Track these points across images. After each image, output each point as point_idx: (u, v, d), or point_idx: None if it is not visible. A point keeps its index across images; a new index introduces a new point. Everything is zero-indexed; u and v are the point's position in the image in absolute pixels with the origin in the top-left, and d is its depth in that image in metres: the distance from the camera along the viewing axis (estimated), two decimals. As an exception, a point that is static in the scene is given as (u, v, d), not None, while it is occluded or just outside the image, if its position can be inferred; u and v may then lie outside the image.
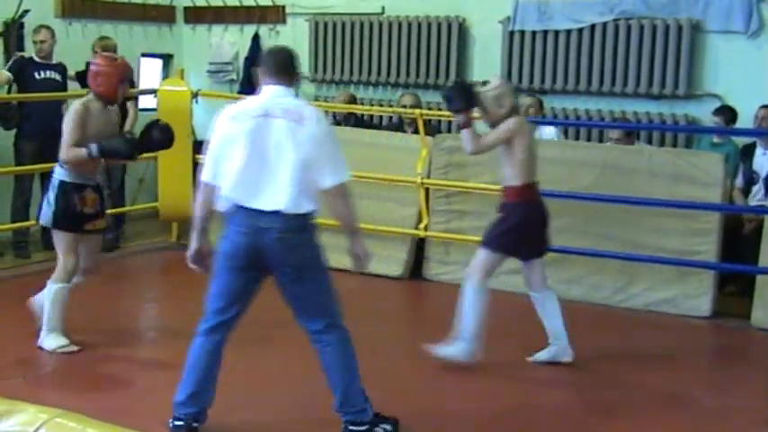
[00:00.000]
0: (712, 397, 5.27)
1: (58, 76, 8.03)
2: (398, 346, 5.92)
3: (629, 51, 8.15)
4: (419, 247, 7.52)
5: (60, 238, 5.44)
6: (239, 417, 4.54)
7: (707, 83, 8.01)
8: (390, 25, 9.16)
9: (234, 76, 10.00)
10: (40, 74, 7.90)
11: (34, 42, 7.99)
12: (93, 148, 5.31)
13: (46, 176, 7.97)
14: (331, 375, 4.23)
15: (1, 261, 7.73)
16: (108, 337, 5.80)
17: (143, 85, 9.43)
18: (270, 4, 9.77)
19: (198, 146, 7.05)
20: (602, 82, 8.29)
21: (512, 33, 8.59)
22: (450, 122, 8.66)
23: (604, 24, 8.23)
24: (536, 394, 5.15)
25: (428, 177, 7.35)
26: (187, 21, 10.24)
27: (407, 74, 9.10)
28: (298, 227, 4.07)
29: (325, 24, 9.47)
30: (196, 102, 8.34)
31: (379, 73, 9.22)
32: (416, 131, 7.61)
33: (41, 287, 5.55)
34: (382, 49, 9.21)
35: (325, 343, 4.20)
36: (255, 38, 9.73)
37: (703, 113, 7.95)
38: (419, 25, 9.03)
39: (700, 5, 7.92)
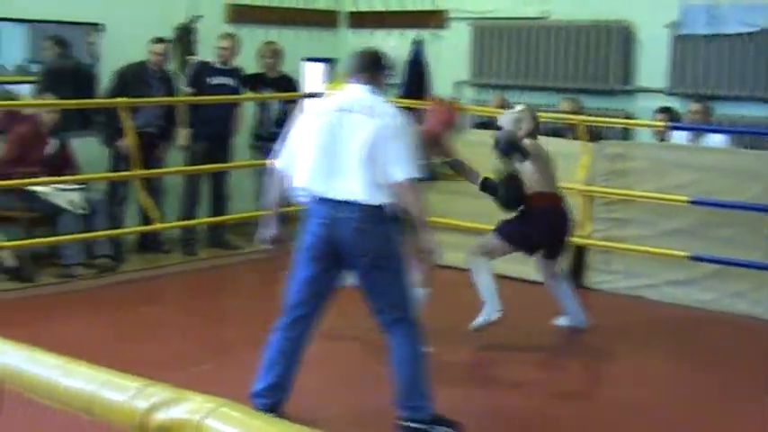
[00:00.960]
0: None
1: (231, 82, 8.31)
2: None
3: (805, 56, 7.78)
4: (579, 255, 7.38)
5: None
6: (329, 407, 4.59)
7: None
8: (554, 30, 9.05)
9: (396, 80, 10.10)
10: (213, 79, 8.20)
11: (216, 48, 8.29)
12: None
13: (215, 177, 8.33)
14: (394, 368, 4.25)
15: (169, 258, 8.01)
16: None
17: (307, 88, 9.65)
18: (432, 8, 9.83)
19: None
20: (774, 88, 7.95)
21: (679, 37, 8.35)
22: (610, 129, 8.50)
23: (778, 28, 7.89)
24: (663, 406, 5.00)
25: (589, 184, 7.22)
26: (350, 25, 10.43)
27: (568, 78, 8.96)
28: (373, 217, 4.16)
29: (488, 30, 9.44)
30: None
31: (540, 77, 9.11)
32: (576, 137, 7.49)
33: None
34: (546, 53, 9.07)
35: (393, 336, 4.25)
36: (417, 42, 9.80)
37: None
38: (583, 30, 8.87)
39: None
